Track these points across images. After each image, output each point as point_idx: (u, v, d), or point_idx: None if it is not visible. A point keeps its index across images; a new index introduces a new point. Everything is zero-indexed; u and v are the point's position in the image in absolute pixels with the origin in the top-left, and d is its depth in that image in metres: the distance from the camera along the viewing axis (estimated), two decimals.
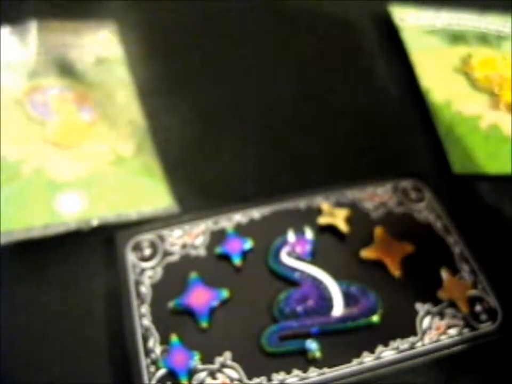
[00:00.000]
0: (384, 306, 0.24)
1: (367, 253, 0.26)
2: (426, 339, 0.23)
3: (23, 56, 0.35)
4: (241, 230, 0.27)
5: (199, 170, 0.31)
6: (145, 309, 0.24)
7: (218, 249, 0.26)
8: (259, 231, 0.27)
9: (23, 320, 0.24)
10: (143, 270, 0.25)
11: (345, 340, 0.23)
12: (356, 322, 0.23)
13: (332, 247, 0.26)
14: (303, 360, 0.22)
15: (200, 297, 0.24)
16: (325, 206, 0.28)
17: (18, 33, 0.36)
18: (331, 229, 0.27)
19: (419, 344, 0.23)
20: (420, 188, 0.29)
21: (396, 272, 0.25)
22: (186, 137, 0.32)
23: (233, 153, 0.31)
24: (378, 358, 0.22)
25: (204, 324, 0.23)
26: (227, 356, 0.22)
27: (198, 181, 0.30)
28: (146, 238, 0.26)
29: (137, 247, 0.26)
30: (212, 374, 0.22)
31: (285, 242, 0.26)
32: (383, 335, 0.23)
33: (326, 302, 0.24)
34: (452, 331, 0.23)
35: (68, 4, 0.38)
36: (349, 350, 0.22)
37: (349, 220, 0.27)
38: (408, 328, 0.23)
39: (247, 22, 0.40)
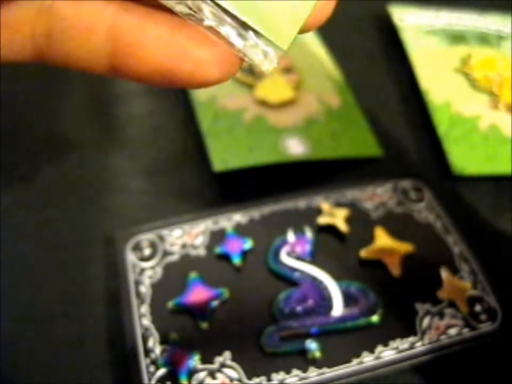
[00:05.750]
0: (384, 306, 0.24)
1: (367, 253, 0.26)
2: (426, 339, 0.23)
3: None
4: (241, 230, 0.27)
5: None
6: (145, 308, 0.24)
7: (218, 249, 0.26)
8: (259, 231, 0.27)
9: (23, 320, 0.24)
10: (142, 270, 0.25)
11: (345, 339, 0.23)
12: (356, 322, 0.23)
13: (332, 247, 0.26)
14: (303, 360, 0.22)
15: (200, 297, 0.24)
16: (325, 206, 0.28)
17: None
18: (331, 229, 0.27)
19: (419, 344, 0.23)
20: (420, 187, 0.29)
21: (396, 272, 0.25)
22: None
23: None
24: (378, 358, 0.22)
25: (204, 324, 0.23)
26: (227, 356, 0.22)
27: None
28: (146, 238, 0.26)
29: (137, 247, 0.26)
30: (212, 374, 0.22)
31: (284, 242, 0.26)
32: (382, 335, 0.23)
33: (325, 302, 0.24)
34: (452, 331, 0.23)
35: None
36: (349, 350, 0.22)
37: (349, 220, 0.27)
38: (408, 328, 0.23)
39: None
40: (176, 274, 0.25)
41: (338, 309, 0.24)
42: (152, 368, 0.22)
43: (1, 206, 0.28)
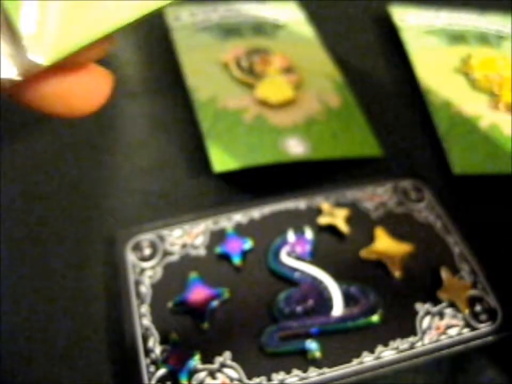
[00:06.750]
0: (384, 306, 0.24)
1: (367, 253, 0.26)
2: (426, 339, 0.23)
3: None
4: (241, 230, 0.27)
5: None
6: (145, 308, 0.24)
7: (218, 249, 0.26)
8: (259, 231, 0.27)
9: (23, 320, 0.24)
10: (143, 270, 0.25)
11: (345, 339, 0.23)
12: (356, 322, 0.23)
13: (332, 247, 0.26)
14: (303, 360, 0.22)
15: (200, 297, 0.24)
16: (325, 206, 0.28)
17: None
18: (331, 229, 0.27)
19: (419, 344, 0.23)
20: (420, 187, 0.29)
21: (396, 272, 0.25)
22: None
23: None
24: (378, 358, 0.22)
25: (204, 324, 0.23)
26: (227, 356, 0.22)
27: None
28: (146, 238, 0.26)
29: (137, 247, 0.26)
30: (212, 374, 0.22)
31: (284, 242, 0.26)
32: (383, 335, 0.23)
33: (326, 302, 0.24)
34: (452, 331, 0.23)
35: None
36: (349, 350, 0.22)
37: (349, 220, 0.27)
38: (408, 328, 0.23)
39: None
40: (176, 274, 0.25)
41: (338, 309, 0.24)
42: (152, 368, 0.22)
43: (1, 205, 0.28)
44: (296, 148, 0.30)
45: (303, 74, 0.35)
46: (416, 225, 0.27)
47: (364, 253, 0.26)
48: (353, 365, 0.22)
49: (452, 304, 0.24)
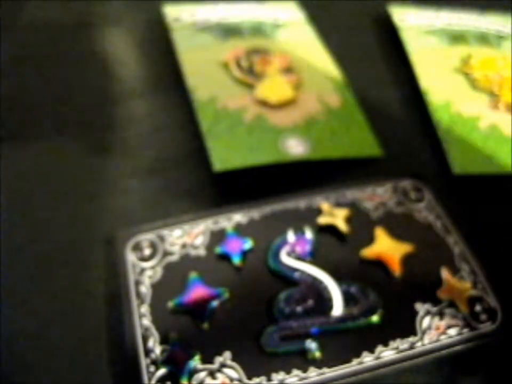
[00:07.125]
0: (384, 306, 0.24)
1: (367, 253, 0.26)
2: (426, 339, 0.23)
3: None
4: (241, 230, 0.27)
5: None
6: (145, 308, 0.24)
7: (218, 249, 0.26)
8: (259, 231, 0.27)
9: (23, 320, 0.24)
10: (143, 270, 0.25)
11: (345, 339, 0.23)
12: (356, 322, 0.23)
13: (332, 247, 0.26)
14: (303, 360, 0.22)
15: (200, 297, 0.24)
16: (325, 206, 0.28)
17: None
18: (331, 229, 0.27)
19: (419, 344, 0.23)
20: (420, 187, 0.29)
21: (396, 272, 0.25)
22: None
23: None
24: (378, 358, 0.22)
25: (204, 324, 0.23)
26: (227, 356, 0.22)
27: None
28: (146, 238, 0.26)
29: (137, 247, 0.26)
30: (212, 374, 0.22)
31: (284, 242, 0.26)
32: (383, 335, 0.23)
33: (325, 302, 0.24)
34: (452, 331, 0.23)
35: None
36: (349, 350, 0.22)
37: (349, 220, 0.27)
38: (408, 328, 0.23)
39: None
40: (176, 274, 0.25)
41: (338, 309, 0.24)
42: (152, 368, 0.22)
43: (1, 205, 0.28)
44: (296, 148, 0.30)
45: (303, 74, 0.35)
46: (416, 225, 0.27)
47: (364, 253, 0.26)
48: (353, 365, 0.22)
49: (452, 304, 0.24)
